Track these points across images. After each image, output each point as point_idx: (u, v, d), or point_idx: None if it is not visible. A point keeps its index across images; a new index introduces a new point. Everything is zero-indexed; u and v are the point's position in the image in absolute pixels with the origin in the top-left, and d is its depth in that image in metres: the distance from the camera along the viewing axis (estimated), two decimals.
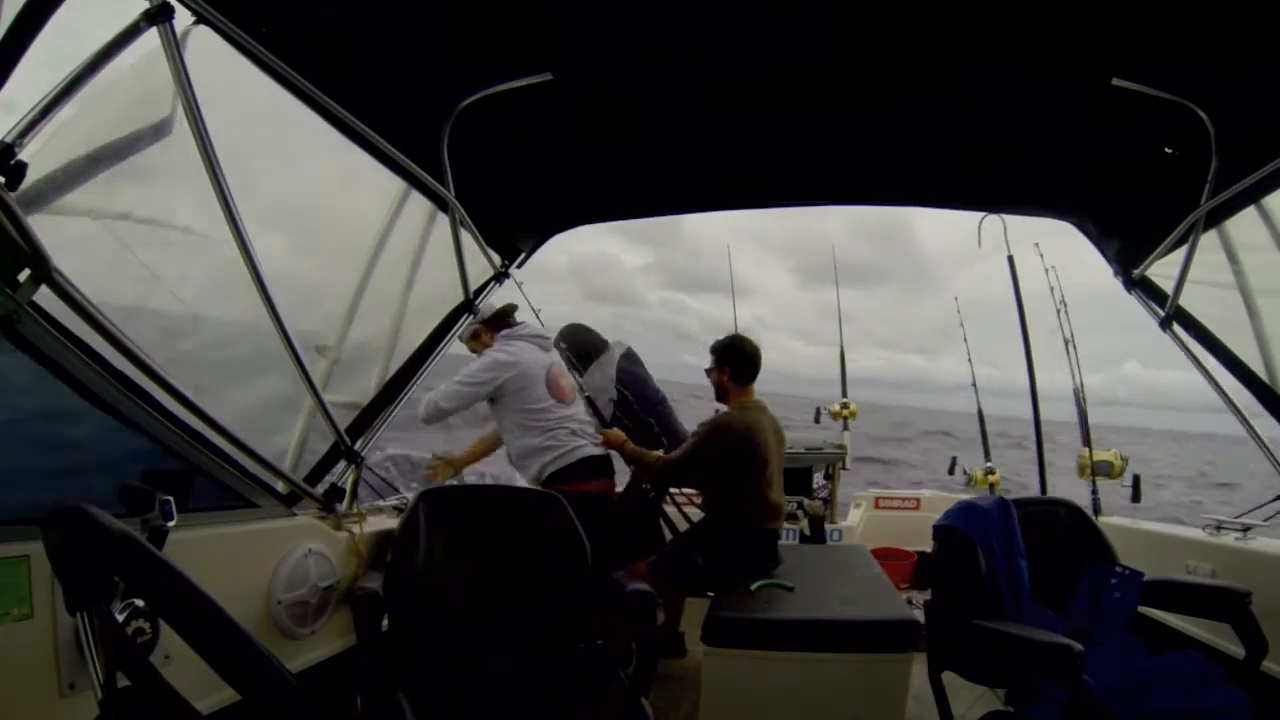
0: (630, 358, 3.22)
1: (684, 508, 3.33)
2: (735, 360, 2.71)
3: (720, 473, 2.64)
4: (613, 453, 2.80)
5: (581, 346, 3.12)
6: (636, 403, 3.12)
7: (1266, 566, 1.98)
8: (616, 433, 2.82)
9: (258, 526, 1.63)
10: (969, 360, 4.59)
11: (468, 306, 2.36)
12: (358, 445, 1.99)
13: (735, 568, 2.46)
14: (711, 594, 2.39)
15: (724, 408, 2.78)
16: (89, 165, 1.31)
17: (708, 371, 2.80)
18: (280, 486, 1.74)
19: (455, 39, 1.50)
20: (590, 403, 2.93)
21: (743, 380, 2.73)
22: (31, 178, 1.12)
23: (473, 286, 2.34)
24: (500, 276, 2.53)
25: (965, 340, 4.62)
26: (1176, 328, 2.09)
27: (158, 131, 1.37)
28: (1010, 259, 3.86)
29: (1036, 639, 1.54)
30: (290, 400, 1.86)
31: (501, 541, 2.00)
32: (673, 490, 3.34)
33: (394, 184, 1.99)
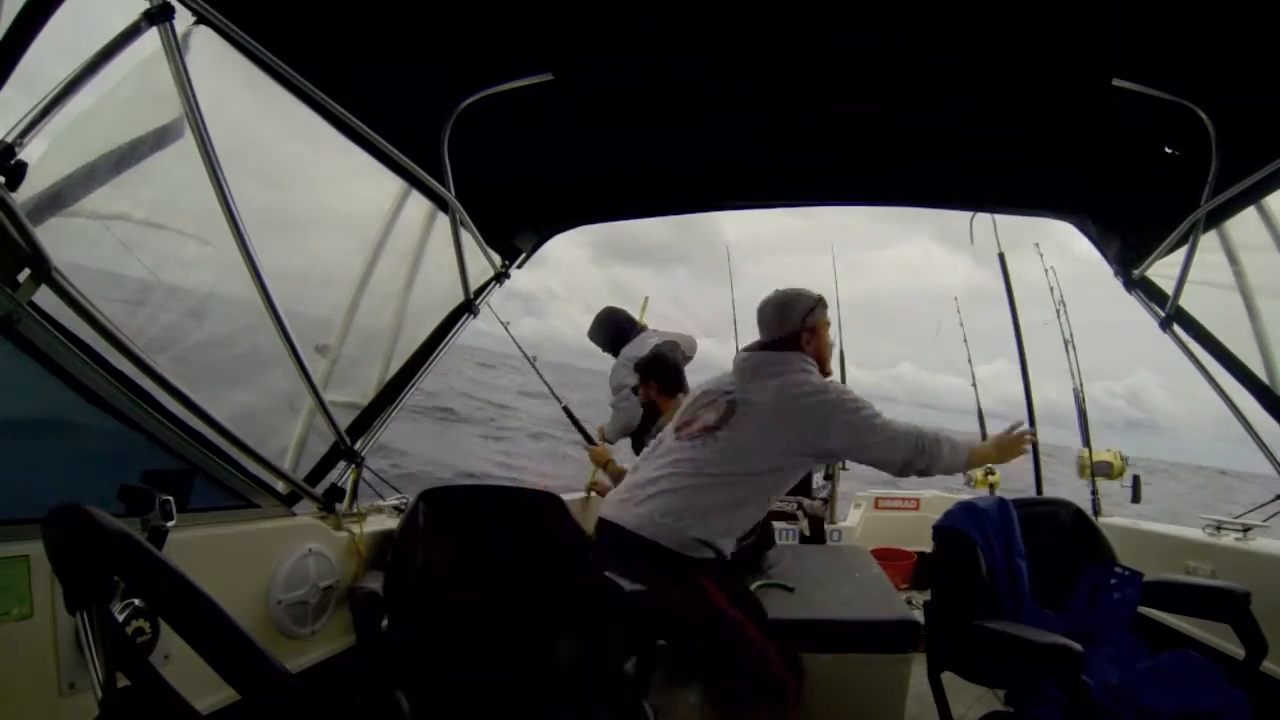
0: (672, 345, 3.14)
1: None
2: (658, 374, 2.73)
3: None
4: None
5: (605, 329, 3.04)
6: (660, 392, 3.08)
7: (1266, 567, 1.98)
8: (601, 451, 2.78)
9: (258, 526, 1.63)
10: (969, 360, 4.60)
11: (468, 307, 2.36)
12: (358, 445, 1.99)
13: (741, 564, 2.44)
14: None
15: None
16: (95, 166, 1.31)
17: (634, 389, 2.79)
18: (280, 486, 1.74)
19: (455, 39, 1.50)
20: (568, 413, 2.88)
21: (668, 393, 2.73)
22: (32, 178, 1.12)
23: (473, 286, 2.34)
24: (500, 276, 2.53)
25: (965, 340, 4.62)
26: (1177, 328, 2.09)
27: (166, 135, 1.37)
28: (1001, 256, 3.84)
29: (1036, 639, 1.54)
30: (290, 399, 1.86)
31: (502, 541, 2.00)
32: None
33: (394, 184, 1.99)
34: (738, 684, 1.80)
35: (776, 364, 1.96)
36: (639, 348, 3.04)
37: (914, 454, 1.86)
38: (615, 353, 3.09)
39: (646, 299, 3.27)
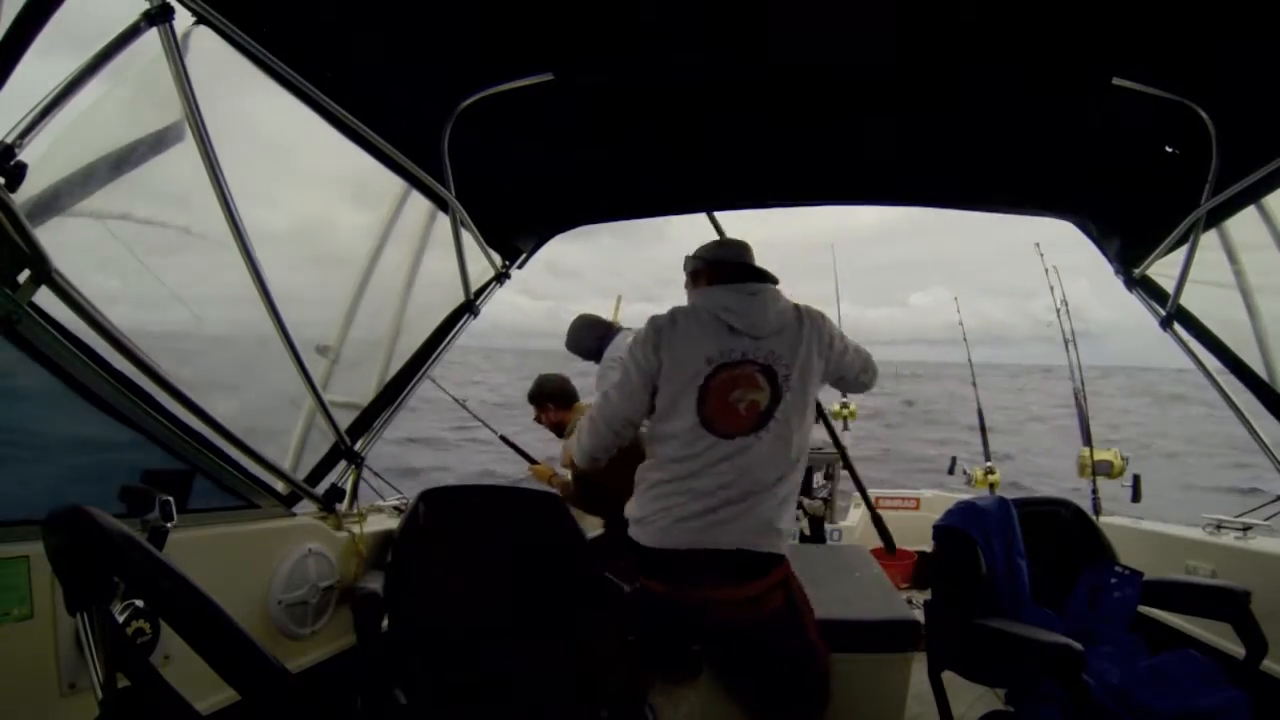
0: None
1: None
2: (549, 395, 2.86)
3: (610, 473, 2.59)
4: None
5: (584, 338, 3.08)
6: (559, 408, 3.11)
7: (1266, 566, 1.98)
8: (543, 468, 2.84)
9: (258, 526, 1.63)
10: (969, 361, 4.60)
11: (468, 307, 2.36)
12: (358, 445, 1.99)
13: None
14: None
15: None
16: (96, 168, 1.31)
17: (536, 420, 2.89)
18: (280, 487, 1.74)
19: (456, 39, 1.50)
20: (505, 440, 2.91)
21: (564, 404, 2.86)
22: (33, 180, 1.12)
23: (473, 287, 2.34)
24: (501, 277, 2.53)
25: (965, 340, 4.63)
26: (1177, 327, 2.09)
27: (169, 137, 1.37)
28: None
29: (1037, 639, 1.54)
30: (290, 399, 1.86)
31: (501, 541, 2.00)
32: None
33: (394, 184, 1.99)
34: (805, 688, 1.69)
35: (782, 298, 1.65)
36: (619, 348, 3.05)
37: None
38: (597, 359, 3.09)
39: (620, 298, 3.28)
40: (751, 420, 1.56)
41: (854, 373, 1.76)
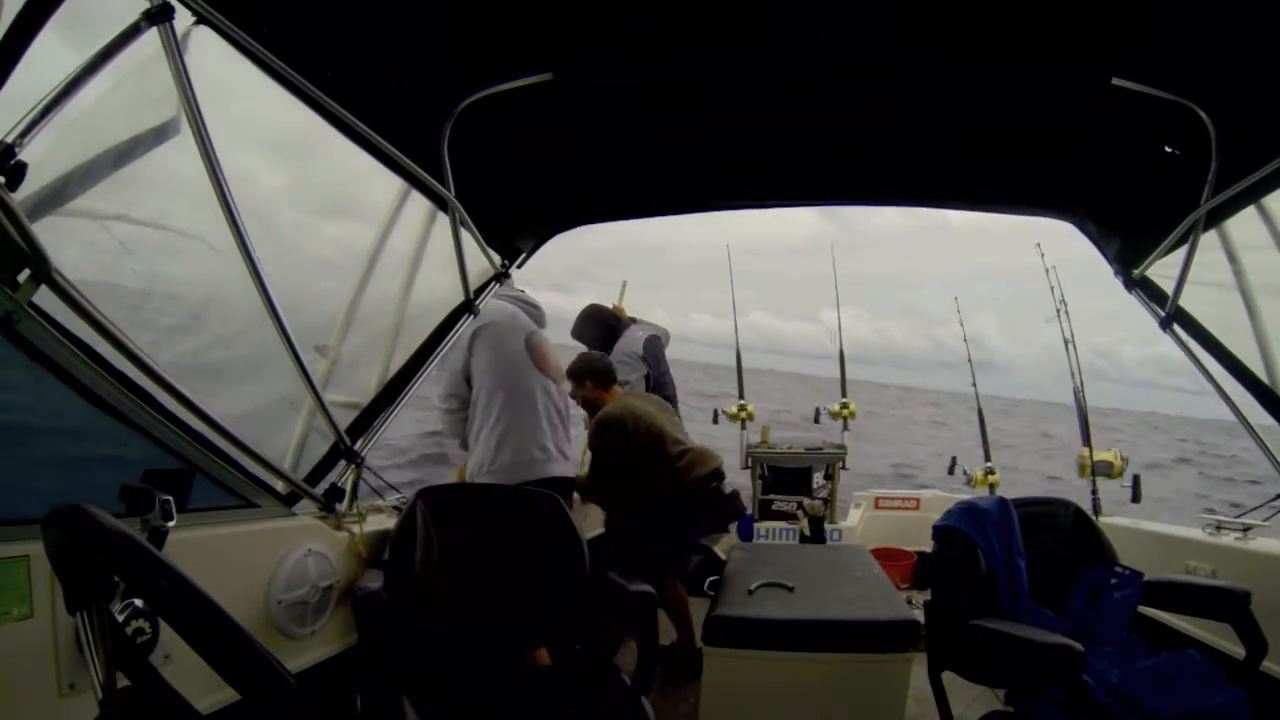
0: (656, 341, 3.18)
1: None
2: (588, 373, 2.91)
3: (632, 458, 2.71)
4: None
5: (592, 328, 3.08)
6: (654, 388, 3.10)
7: (1266, 566, 1.98)
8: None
9: (258, 526, 1.63)
10: (969, 360, 4.60)
11: (468, 307, 2.36)
12: (358, 445, 1.99)
13: (705, 525, 2.49)
14: (712, 594, 2.39)
15: None
16: (92, 167, 1.31)
17: (572, 395, 2.93)
18: (280, 486, 1.73)
19: (455, 39, 1.50)
20: None
21: (603, 385, 2.91)
22: (32, 178, 1.12)
23: (473, 286, 2.34)
24: (500, 276, 2.53)
25: (965, 341, 4.63)
26: (1177, 328, 2.09)
27: (162, 133, 1.37)
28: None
29: (1037, 639, 1.54)
30: (290, 399, 1.85)
31: (501, 540, 2.00)
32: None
33: (394, 184, 1.99)
34: None
35: None
36: (632, 342, 3.06)
37: None
38: (605, 349, 3.09)
39: (625, 283, 3.27)
40: None
41: None
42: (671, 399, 3.26)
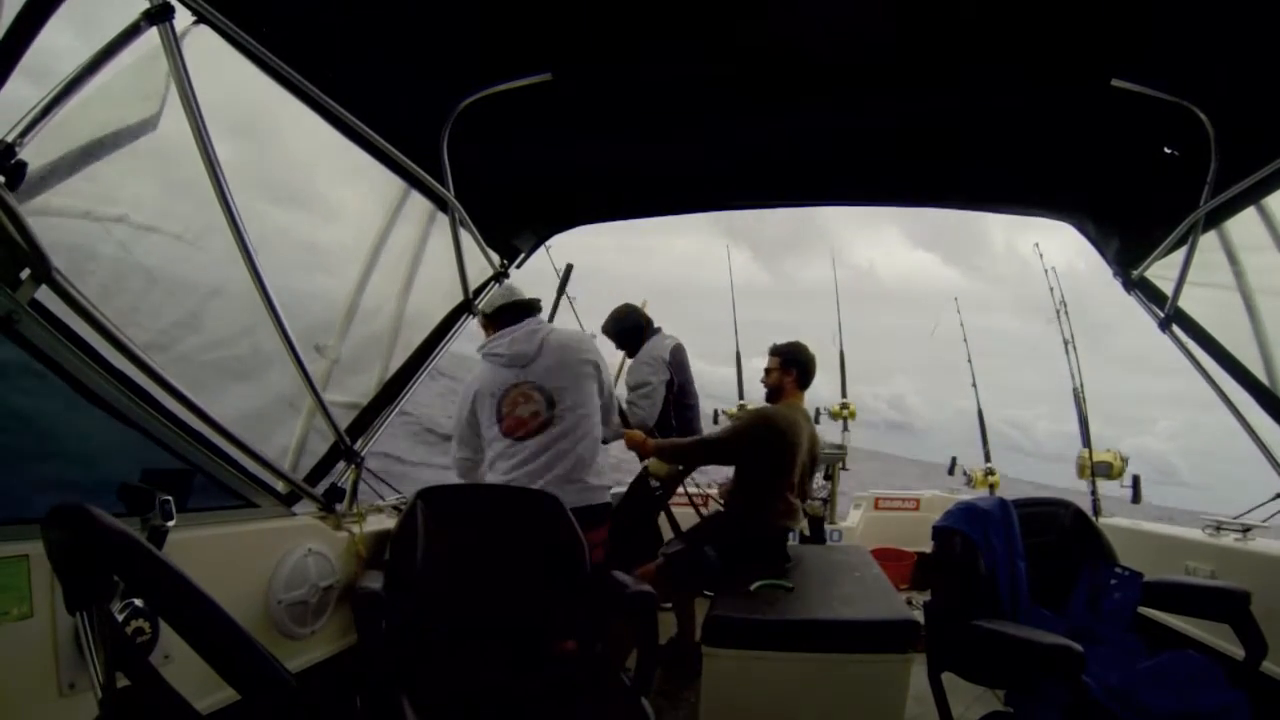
0: (681, 351, 3.20)
1: (699, 507, 3.34)
2: (802, 364, 2.85)
3: (754, 460, 2.71)
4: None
5: (625, 325, 3.10)
6: (677, 395, 3.09)
7: (1266, 567, 1.98)
8: (636, 433, 2.79)
9: (257, 526, 1.63)
10: (969, 360, 4.60)
11: (467, 306, 2.36)
12: (357, 445, 1.99)
13: (747, 562, 2.48)
14: (711, 594, 2.39)
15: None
16: (82, 163, 1.30)
17: (768, 371, 2.89)
18: (280, 486, 1.73)
19: (455, 39, 1.50)
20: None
21: (803, 385, 2.86)
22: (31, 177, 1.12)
23: (472, 286, 2.34)
24: (500, 276, 2.53)
25: (965, 340, 4.63)
26: (1176, 329, 2.09)
27: (143, 128, 1.36)
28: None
29: (1036, 639, 1.54)
30: (290, 399, 1.85)
31: (501, 540, 2.00)
32: (692, 488, 3.36)
33: (394, 184, 1.99)
34: None
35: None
36: (659, 348, 3.08)
37: None
38: (631, 350, 3.11)
39: (646, 302, 3.31)
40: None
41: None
42: (695, 407, 3.27)
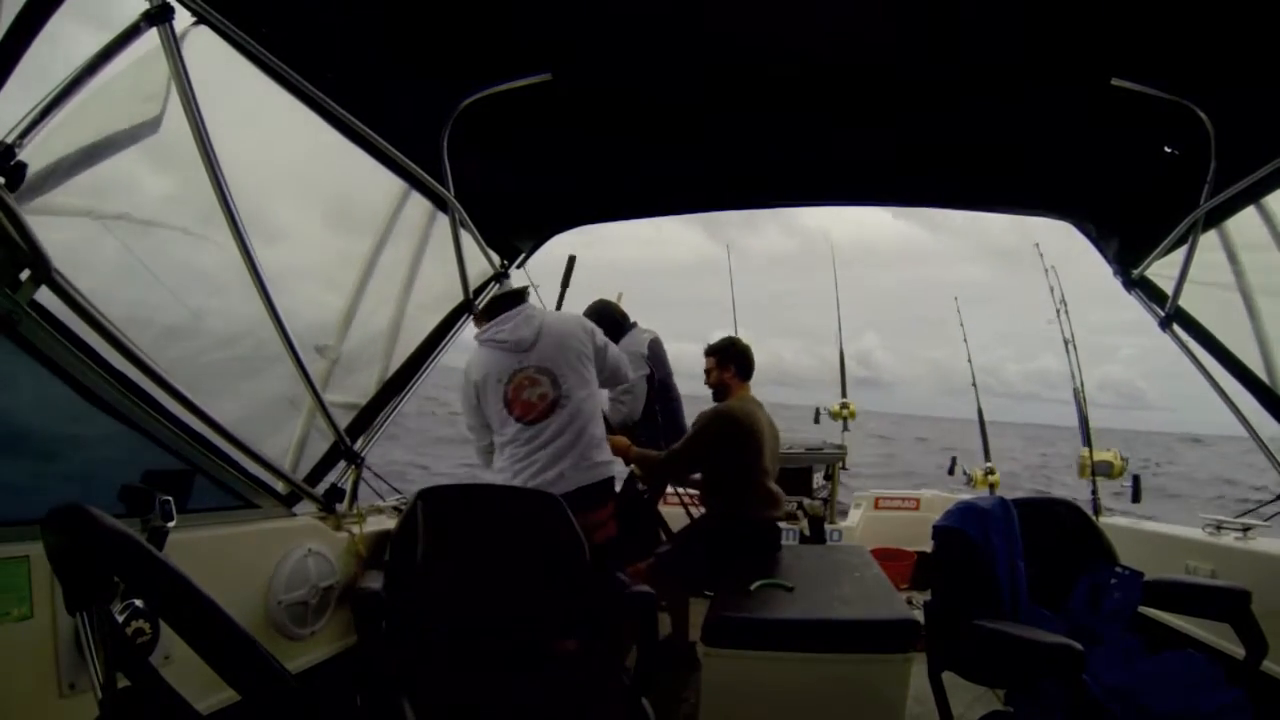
0: (659, 344, 3.21)
1: (689, 507, 3.34)
2: (738, 358, 2.89)
3: (720, 459, 2.73)
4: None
5: (601, 321, 3.10)
6: (659, 389, 3.10)
7: (1266, 566, 1.98)
8: (620, 440, 2.80)
9: (258, 527, 1.63)
10: (969, 360, 4.60)
11: (467, 306, 2.36)
12: (358, 445, 1.99)
13: (739, 560, 2.49)
14: (711, 594, 2.39)
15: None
16: (82, 164, 1.30)
17: (707, 371, 2.92)
18: (280, 487, 1.73)
19: (455, 39, 1.50)
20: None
21: (745, 376, 2.90)
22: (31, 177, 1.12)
23: (473, 286, 2.34)
24: (500, 276, 2.53)
25: (965, 340, 4.63)
26: (1176, 328, 2.09)
27: (146, 129, 1.36)
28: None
29: (1037, 639, 1.54)
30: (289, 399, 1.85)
31: (501, 540, 2.00)
32: (679, 490, 3.37)
33: (394, 184, 1.99)
34: None
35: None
36: (637, 343, 3.08)
37: None
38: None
39: (621, 295, 3.31)
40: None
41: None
42: (677, 400, 3.27)
